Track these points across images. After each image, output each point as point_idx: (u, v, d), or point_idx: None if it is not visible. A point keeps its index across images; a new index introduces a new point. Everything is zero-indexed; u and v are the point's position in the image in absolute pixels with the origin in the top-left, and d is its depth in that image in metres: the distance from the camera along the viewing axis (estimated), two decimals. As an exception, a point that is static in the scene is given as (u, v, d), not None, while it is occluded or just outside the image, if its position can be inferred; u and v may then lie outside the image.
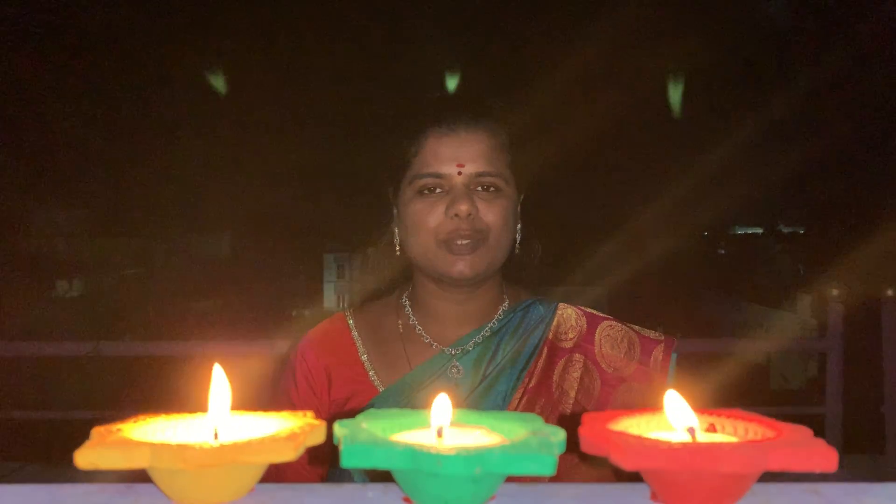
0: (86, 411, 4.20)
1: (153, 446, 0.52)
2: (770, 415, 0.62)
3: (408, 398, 1.24)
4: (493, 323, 1.30)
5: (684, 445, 0.52)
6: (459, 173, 1.22)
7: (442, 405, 0.59)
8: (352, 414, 0.61)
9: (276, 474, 0.58)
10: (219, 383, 0.61)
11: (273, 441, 0.53)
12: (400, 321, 1.34)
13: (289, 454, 0.52)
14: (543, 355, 1.28)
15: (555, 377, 1.27)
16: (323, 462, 1.26)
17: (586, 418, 0.59)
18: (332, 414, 1.29)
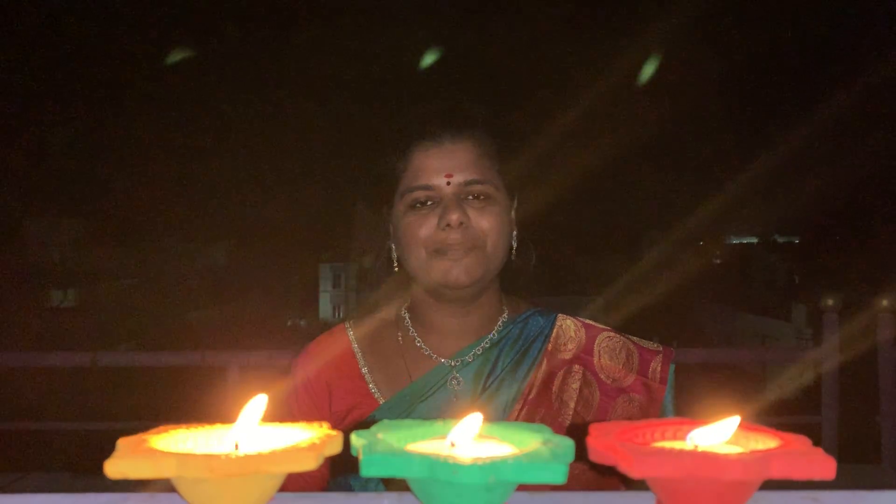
0: (83, 422, 4.21)
1: (180, 456, 0.54)
2: (766, 424, 0.64)
3: (409, 410, 1.25)
4: (493, 335, 1.31)
5: (689, 454, 0.54)
6: (448, 184, 1.23)
7: (473, 423, 0.61)
8: (352, 427, 0.62)
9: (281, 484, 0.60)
10: (256, 408, 0.63)
11: (295, 451, 0.55)
12: (400, 334, 1.34)
13: (310, 463, 0.54)
14: (543, 367, 1.29)
15: (554, 388, 1.27)
16: (325, 472, 1.27)
17: (593, 428, 0.61)
18: (333, 426, 1.29)
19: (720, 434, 0.61)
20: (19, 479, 3.39)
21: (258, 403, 0.62)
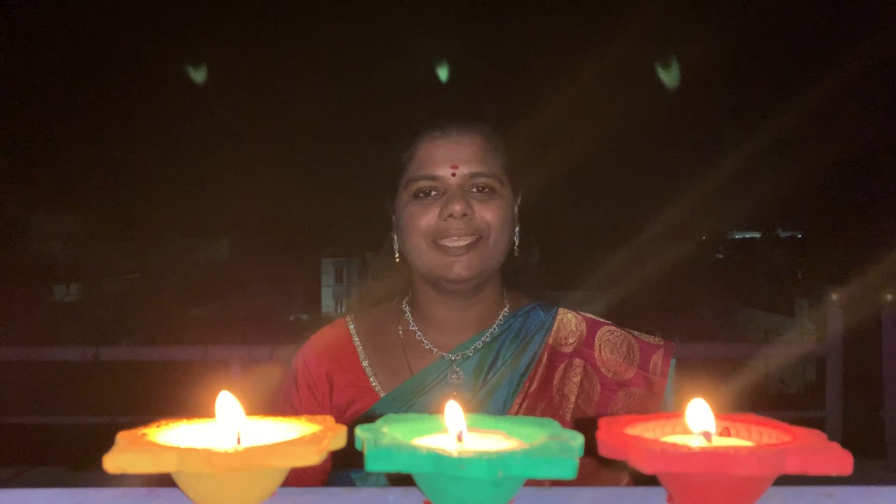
0: (85, 416, 4.20)
1: (180, 451, 0.53)
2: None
3: (409, 404, 1.25)
4: (494, 328, 1.31)
5: (702, 449, 0.53)
6: (453, 175, 1.23)
7: (453, 414, 0.60)
8: (353, 420, 0.61)
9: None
10: (227, 406, 0.61)
11: (298, 445, 0.54)
12: (400, 327, 1.34)
13: (313, 458, 0.53)
14: (544, 360, 1.29)
15: (555, 382, 1.27)
16: (325, 465, 1.27)
17: (603, 423, 0.60)
18: (333, 419, 1.29)
19: (706, 421, 0.60)
20: (21, 473, 3.39)
21: (226, 400, 0.61)
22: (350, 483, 1.21)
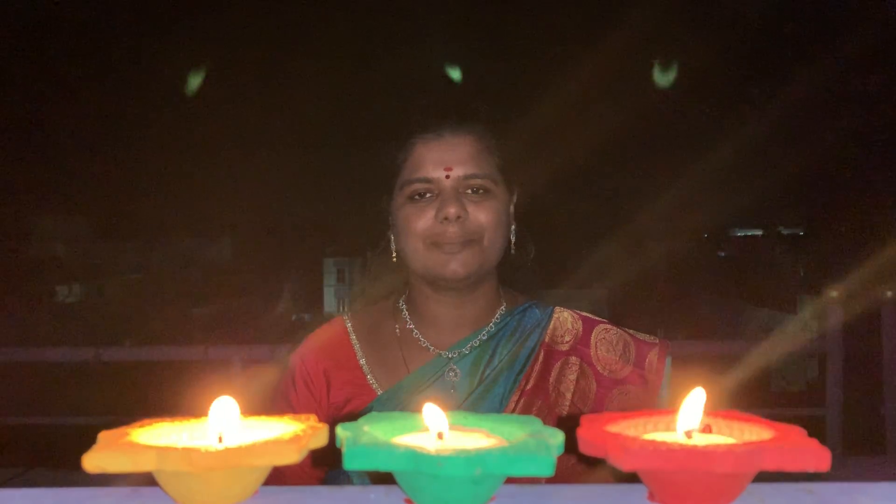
0: (86, 416, 4.21)
1: (159, 450, 0.53)
2: (770, 417, 0.63)
3: (406, 401, 1.25)
4: (491, 326, 1.31)
5: (681, 446, 0.53)
6: (447, 177, 1.23)
7: (433, 414, 0.60)
8: (350, 417, 0.61)
9: (275, 477, 0.60)
10: (224, 406, 0.62)
11: (277, 444, 0.54)
12: (397, 325, 1.35)
13: (292, 457, 0.53)
14: (540, 358, 1.29)
15: (551, 380, 1.27)
16: (322, 464, 1.27)
17: (584, 420, 0.60)
18: (331, 417, 1.30)
19: (697, 411, 0.60)
20: (22, 473, 3.40)
21: (225, 404, 0.61)
22: (348, 481, 1.21)
